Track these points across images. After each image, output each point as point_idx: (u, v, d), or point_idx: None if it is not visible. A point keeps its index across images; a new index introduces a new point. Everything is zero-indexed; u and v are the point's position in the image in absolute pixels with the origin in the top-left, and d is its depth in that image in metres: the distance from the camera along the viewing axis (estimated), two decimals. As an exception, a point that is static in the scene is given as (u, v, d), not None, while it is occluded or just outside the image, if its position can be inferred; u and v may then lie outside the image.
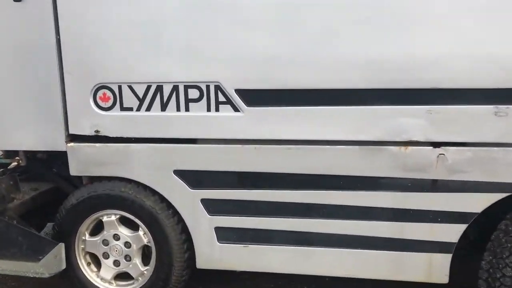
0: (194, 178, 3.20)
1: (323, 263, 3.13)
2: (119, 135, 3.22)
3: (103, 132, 3.23)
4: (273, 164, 3.07)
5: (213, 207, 3.21)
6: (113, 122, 3.21)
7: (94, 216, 3.39)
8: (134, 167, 3.24)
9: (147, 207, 3.26)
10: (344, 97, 2.91)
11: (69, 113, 3.24)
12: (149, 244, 3.37)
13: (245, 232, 3.21)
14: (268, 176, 3.10)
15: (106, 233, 3.40)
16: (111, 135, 3.23)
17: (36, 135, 3.32)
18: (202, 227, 3.24)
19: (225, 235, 3.24)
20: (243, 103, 3.02)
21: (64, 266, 3.35)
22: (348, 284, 3.42)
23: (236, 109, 3.04)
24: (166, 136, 3.18)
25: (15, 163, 3.52)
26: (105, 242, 3.42)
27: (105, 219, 3.38)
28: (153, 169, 3.22)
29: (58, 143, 3.30)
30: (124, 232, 3.39)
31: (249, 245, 3.21)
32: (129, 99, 3.15)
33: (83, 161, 3.29)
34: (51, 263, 3.33)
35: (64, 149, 3.30)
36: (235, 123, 3.05)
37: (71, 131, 3.27)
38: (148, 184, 3.26)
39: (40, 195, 3.85)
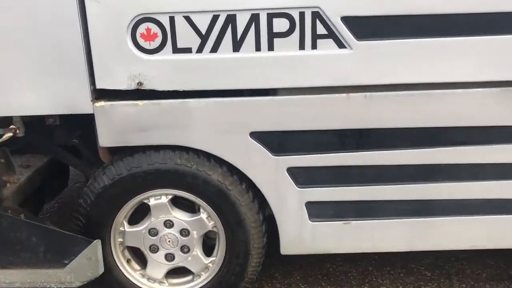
0: (279, 142, 2.40)
1: (447, 235, 2.52)
2: (172, 88, 2.30)
3: (149, 85, 2.29)
4: (387, 117, 2.33)
5: (303, 177, 2.45)
6: (162, 69, 2.27)
7: (137, 199, 2.50)
8: (195, 131, 2.36)
9: (213, 183, 2.43)
10: (486, 23, 2.20)
11: (95, 59, 2.25)
12: (214, 230, 2.57)
13: (346, 205, 2.50)
14: (379, 133, 2.37)
15: (154, 220, 2.54)
16: (160, 88, 2.30)
17: (44, 94, 2.31)
18: (289, 203, 2.48)
19: (319, 211, 2.51)
20: (351, 36, 2.20)
21: (102, 270, 2.47)
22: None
23: (341, 45, 2.22)
24: (239, 87, 2.32)
25: (9, 134, 2.48)
26: (153, 232, 2.56)
27: (152, 202, 2.51)
28: (222, 133, 2.37)
29: (79, 103, 2.32)
30: (180, 216, 2.55)
31: (352, 221, 2.52)
32: (186, 37, 2.22)
33: (120, 127, 2.35)
34: (83, 267, 2.44)
35: (89, 111, 2.33)
36: (339, 64, 2.25)
37: (100, 85, 2.30)
38: (213, 153, 2.41)
39: (37, 173, 2.88)
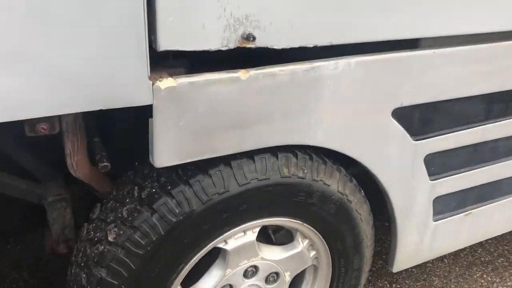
0: (423, 120, 1.56)
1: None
2: (302, 43, 1.21)
3: (265, 38, 1.15)
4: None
5: (436, 165, 1.68)
6: (290, 6, 1.16)
7: (209, 246, 1.38)
8: (321, 116, 1.33)
9: (334, 196, 1.46)
10: None
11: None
12: (314, 263, 1.64)
13: (468, 193, 1.85)
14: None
15: (231, 272, 1.46)
16: (282, 45, 1.19)
17: (45, 79, 0.96)
18: (418, 202, 1.70)
19: (442, 206, 1.80)
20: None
21: None
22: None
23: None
24: (389, 37, 1.37)
25: None
26: (227, 290, 1.50)
27: (231, 244, 1.41)
28: (356, 114, 1.39)
29: (124, 87, 1.03)
30: (270, 255, 1.52)
31: (473, 210, 1.90)
32: None
33: (204, 124, 1.17)
34: None
35: (144, 102, 1.07)
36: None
37: (166, 45, 1.05)
38: (336, 149, 1.41)
39: None
